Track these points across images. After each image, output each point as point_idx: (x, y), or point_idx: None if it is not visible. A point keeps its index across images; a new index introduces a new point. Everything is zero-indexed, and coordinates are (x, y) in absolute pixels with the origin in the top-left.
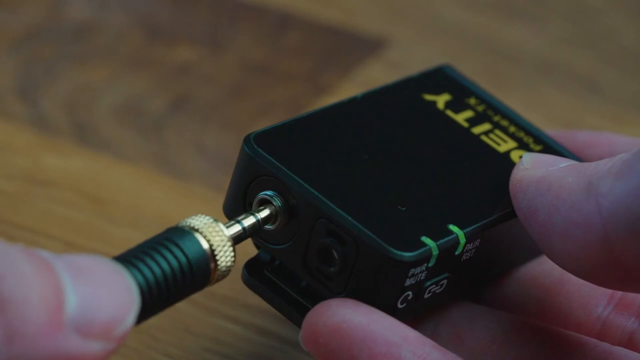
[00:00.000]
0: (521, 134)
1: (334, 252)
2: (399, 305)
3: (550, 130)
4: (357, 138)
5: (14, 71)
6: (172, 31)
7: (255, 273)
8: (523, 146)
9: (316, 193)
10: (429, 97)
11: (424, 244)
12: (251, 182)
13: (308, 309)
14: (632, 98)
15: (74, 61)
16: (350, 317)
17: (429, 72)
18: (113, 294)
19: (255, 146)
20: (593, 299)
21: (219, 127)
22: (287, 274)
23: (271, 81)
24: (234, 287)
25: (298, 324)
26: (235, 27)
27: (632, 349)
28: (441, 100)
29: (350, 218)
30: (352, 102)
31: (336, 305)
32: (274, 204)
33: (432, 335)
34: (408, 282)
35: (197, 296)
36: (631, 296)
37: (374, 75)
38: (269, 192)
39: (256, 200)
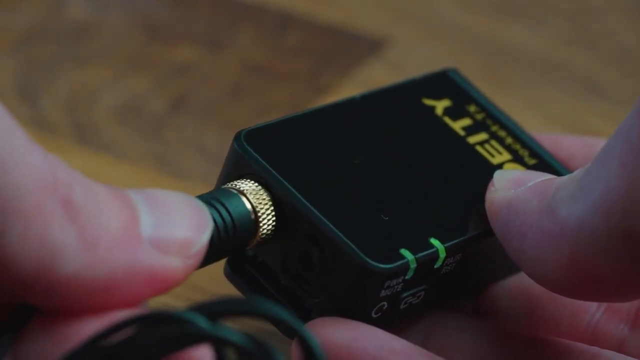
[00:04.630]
0: (517, 146)
1: (313, 257)
2: (374, 315)
3: (537, 132)
4: (349, 141)
5: (14, 71)
6: (172, 31)
7: (237, 268)
8: (517, 159)
9: (299, 196)
10: (428, 102)
11: (402, 257)
12: (238, 180)
13: (285, 310)
14: (632, 98)
15: (74, 61)
16: (333, 336)
17: (432, 76)
18: (186, 214)
19: (245, 144)
20: (582, 307)
21: (219, 127)
22: (268, 272)
23: (271, 81)
24: (233, 288)
25: (275, 324)
26: (235, 27)
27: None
28: (440, 105)
29: (330, 225)
30: (350, 103)
31: (320, 325)
32: None
33: None
34: (383, 293)
35: (197, 296)
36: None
37: (374, 75)
38: None
39: None
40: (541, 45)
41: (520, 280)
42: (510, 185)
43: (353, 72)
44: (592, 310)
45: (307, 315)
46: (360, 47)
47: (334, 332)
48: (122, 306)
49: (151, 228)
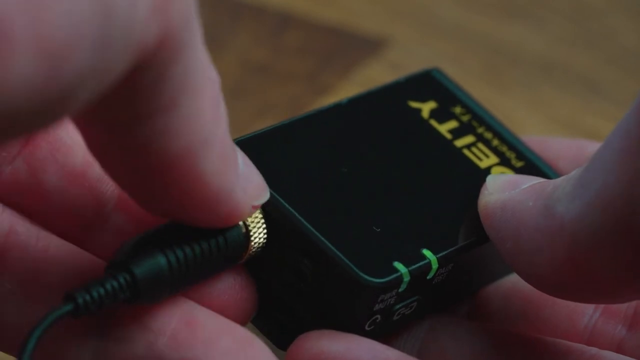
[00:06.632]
0: (504, 149)
1: (306, 271)
2: (367, 328)
3: (537, 132)
4: (338, 149)
5: None
6: None
7: None
8: (505, 162)
9: (290, 209)
10: (414, 104)
11: (396, 270)
12: None
13: (277, 320)
14: (632, 98)
15: None
16: (328, 347)
17: (417, 77)
18: (257, 171)
19: None
20: (579, 308)
21: None
22: (260, 285)
23: (271, 81)
24: None
25: (266, 334)
26: (235, 27)
27: None
28: (426, 108)
29: (323, 238)
30: (337, 108)
31: (314, 337)
32: None
33: (417, 355)
34: (377, 307)
35: None
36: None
37: (373, 75)
38: None
39: None
40: (541, 45)
41: (515, 284)
42: (504, 187)
43: (353, 72)
44: (589, 312)
45: (300, 329)
46: (359, 47)
47: (328, 343)
48: (207, 224)
49: (242, 167)
